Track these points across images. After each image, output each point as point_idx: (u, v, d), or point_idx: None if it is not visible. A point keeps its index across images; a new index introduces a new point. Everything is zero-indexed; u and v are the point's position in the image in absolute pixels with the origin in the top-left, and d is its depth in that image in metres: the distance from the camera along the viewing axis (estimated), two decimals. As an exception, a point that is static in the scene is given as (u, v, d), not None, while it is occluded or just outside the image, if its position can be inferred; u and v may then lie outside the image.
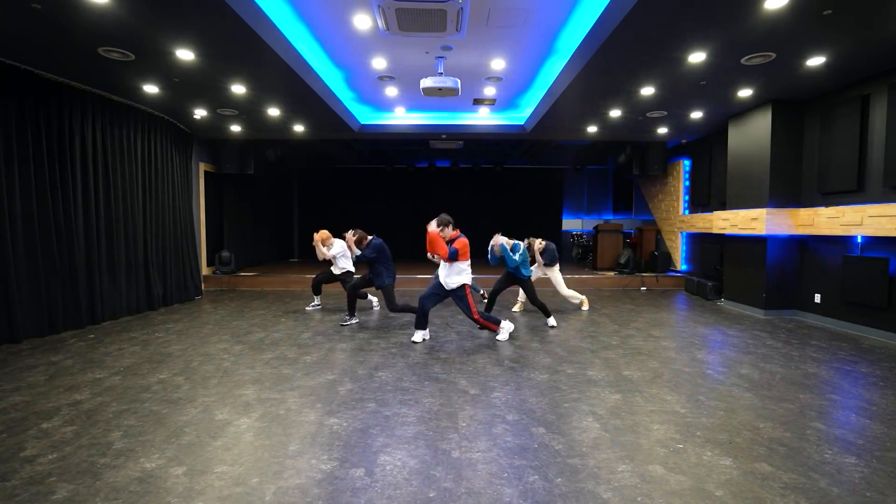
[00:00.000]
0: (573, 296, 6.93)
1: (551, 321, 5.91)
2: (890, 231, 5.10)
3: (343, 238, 6.22)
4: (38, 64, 5.08)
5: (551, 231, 13.25)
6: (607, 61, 5.01)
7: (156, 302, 7.01)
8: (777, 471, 2.47)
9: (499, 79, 6.55)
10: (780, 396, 3.53)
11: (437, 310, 6.80)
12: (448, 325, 5.94)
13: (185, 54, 4.81)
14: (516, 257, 5.81)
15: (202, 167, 9.13)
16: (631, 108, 6.94)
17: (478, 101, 7.67)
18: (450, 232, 5.01)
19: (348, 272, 6.77)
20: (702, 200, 9.01)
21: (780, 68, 5.18)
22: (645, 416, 3.15)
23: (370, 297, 7.21)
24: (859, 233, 5.52)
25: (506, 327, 5.20)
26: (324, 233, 6.71)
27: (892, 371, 4.16)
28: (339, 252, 6.69)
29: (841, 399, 3.51)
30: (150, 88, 5.98)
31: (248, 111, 7.19)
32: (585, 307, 7.08)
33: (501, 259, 5.86)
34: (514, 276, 6.03)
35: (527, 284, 6.00)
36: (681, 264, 9.99)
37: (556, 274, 6.72)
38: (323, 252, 6.69)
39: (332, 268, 6.84)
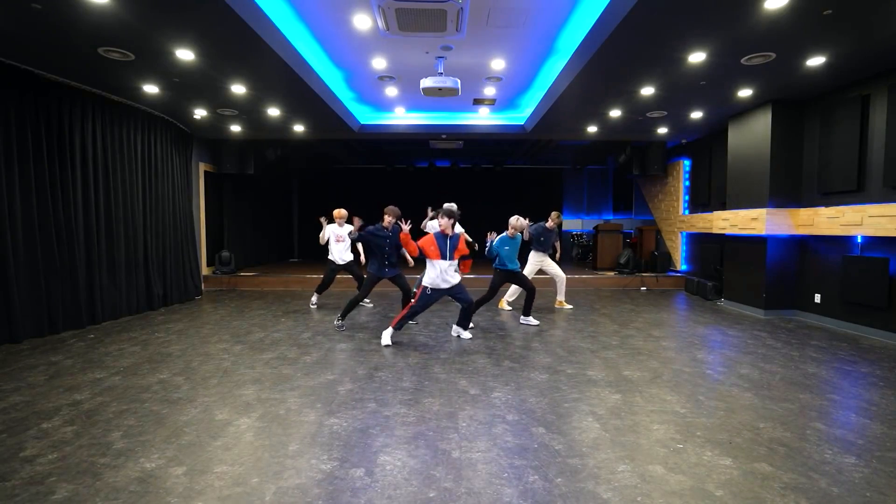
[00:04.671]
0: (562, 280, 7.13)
1: (532, 320, 5.99)
2: (890, 231, 5.10)
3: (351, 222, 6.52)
4: (37, 64, 5.07)
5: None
6: (607, 61, 5.01)
7: (156, 302, 7.01)
8: (777, 471, 2.47)
9: (499, 79, 6.55)
10: (780, 396, 3.53)
11: (437, 310, 6.80)
12: (448, 324, 5.93)
13: (185, 54, 4.81)
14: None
15: (202, 167, 9.13)
16: (631, 108, 6.94)
17: (478, 101, 7.67)
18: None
19: (351, 262, 6.85)
20: (702, 200, 9.01)
21: (780, 68, 5.18)
22: (645, 416, 3.15)
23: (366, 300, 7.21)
24: (859, 233, 5.52)
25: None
26: (342, 210, 6.89)
27: (892, 371, 4.16)
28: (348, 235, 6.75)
29: (841, 399, 3.51)
30: (150, 88, 5.98)
31: (248, 111, 7.19)
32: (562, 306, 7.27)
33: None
34: (508, 273, 5.93)
35: (519, 276, 6.02)
36: (681, 264, 9.99)
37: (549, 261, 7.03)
38: (335, 230, 6.76)
39: (336, 259, 6.78)
